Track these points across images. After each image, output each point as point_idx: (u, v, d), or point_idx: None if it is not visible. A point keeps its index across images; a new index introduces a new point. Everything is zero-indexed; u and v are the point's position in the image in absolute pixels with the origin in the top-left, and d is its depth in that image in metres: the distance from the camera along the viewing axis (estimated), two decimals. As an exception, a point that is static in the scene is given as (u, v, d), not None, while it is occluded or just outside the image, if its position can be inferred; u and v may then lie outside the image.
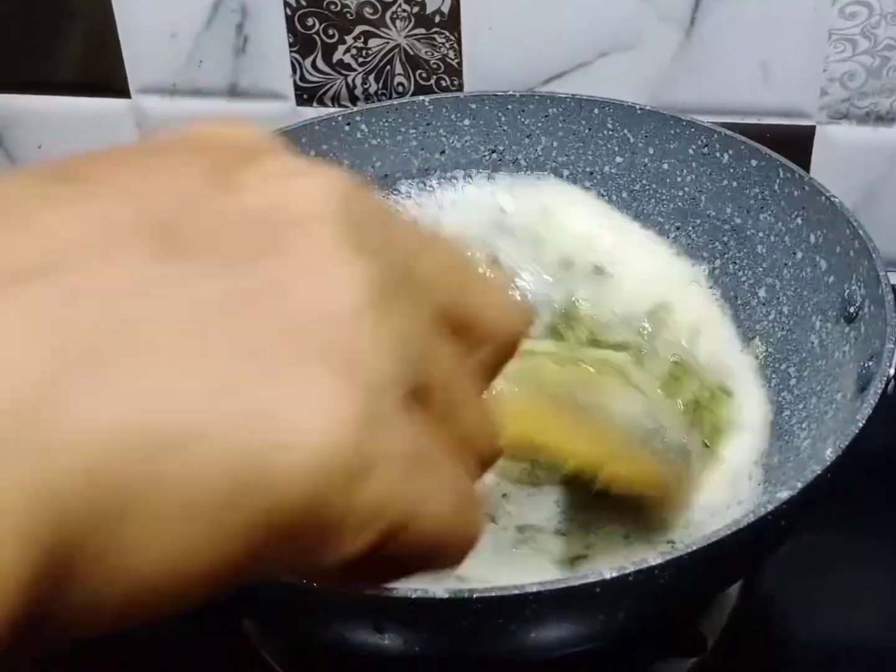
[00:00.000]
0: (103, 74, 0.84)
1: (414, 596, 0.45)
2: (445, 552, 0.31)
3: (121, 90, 0.85)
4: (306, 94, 0.83)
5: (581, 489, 0.59)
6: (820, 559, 0.66)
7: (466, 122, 0.75)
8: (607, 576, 0.45)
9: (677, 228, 0.73)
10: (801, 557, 0.65)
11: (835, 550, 0.66)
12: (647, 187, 0.73)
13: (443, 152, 0.76)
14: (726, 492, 0.62)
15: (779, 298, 0.67)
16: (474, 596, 0.45)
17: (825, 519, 0.63)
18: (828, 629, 0.63)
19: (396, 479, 0.28)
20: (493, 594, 0.45)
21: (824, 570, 0.65)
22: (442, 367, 0.31)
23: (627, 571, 0.45)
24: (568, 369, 0.63)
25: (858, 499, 0.67)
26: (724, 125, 0.71)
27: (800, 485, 0.49)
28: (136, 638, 0.63)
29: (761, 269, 0.69)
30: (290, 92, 0.83)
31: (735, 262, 0.70)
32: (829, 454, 0.50)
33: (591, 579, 0.45)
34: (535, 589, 0.45)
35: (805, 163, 0.79)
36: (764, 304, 0.68)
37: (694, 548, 0.46)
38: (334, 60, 0.81)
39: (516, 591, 0.45)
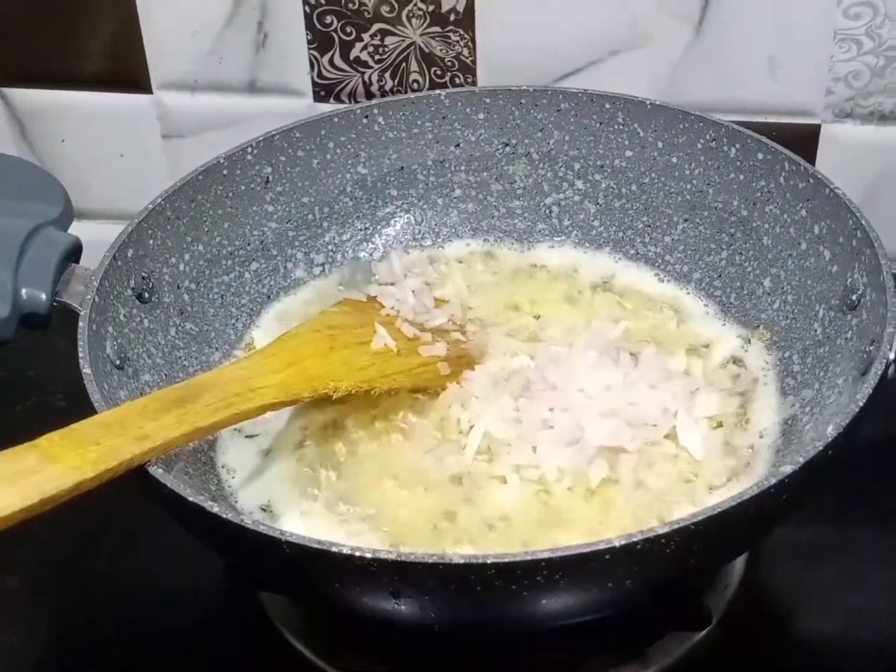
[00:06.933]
0: (126, 70, 0.86)
1: (430, 561, 0.47)
2: None
3: (143, 86, 0.87)
4: (324, 91, 0.85)
5: None
6: (822, 543, 0.67)
7: (481, 115, 0.77)
8: (616, 543, 0.47)
9: (685, 220, 0.74)
10: (804, 542, 0.67)
11: (838, 535, 0.68)
12: (657, 180, 0.75)
13: (457, 145, 0.77)
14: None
15: (783, 288, 0.69)
16: (489, 561, 0.47)
17: (828, 505, 0.65)
18: (829, 610, 0.64)
19: None
20: (507, 560, 0.47)
21: (827, 553, 0.67)
22: None
23: (635, 539, 0.47)
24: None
25: (860, 485, 0.69)
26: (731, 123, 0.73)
27: (801, 460, 0.50)
28: (155, 616, 0.65)
29: (767, 260, 0.70)
30: (308, 88, 0.85)
31: (741, 253, 0.72)
32: (831, 431, 0.52)
33: (600, 546, 0.47)
34: (546, 555, 0.47)
35: (811, 160, 0.81)
36: (769, 294, 0.70)
37: (699, 518, 0.48)
38: (351, 57, 0.83)
39: (528, 557, 0.47)
